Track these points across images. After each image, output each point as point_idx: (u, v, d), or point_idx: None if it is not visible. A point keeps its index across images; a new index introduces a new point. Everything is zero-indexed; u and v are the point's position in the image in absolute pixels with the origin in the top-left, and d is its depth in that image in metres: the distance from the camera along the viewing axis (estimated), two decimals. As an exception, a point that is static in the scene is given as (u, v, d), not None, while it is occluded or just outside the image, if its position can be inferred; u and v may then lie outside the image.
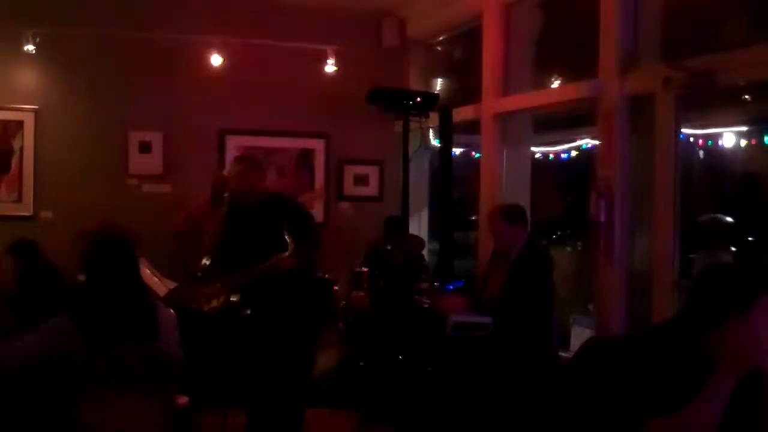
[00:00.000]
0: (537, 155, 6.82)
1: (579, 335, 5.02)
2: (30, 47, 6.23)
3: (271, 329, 4.48)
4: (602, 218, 4.46)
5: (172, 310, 3.17)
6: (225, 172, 6.25)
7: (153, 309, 2.98)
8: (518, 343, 4.39)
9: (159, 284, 5.13)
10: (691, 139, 6.80)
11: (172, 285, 5.34)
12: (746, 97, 5.54)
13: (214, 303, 4.45)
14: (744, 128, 6.55)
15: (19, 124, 6.45)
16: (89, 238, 5.36)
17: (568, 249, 7.12)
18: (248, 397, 4.64)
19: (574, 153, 8.06)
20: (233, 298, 4.41)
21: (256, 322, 4.48)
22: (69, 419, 1.58)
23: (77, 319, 2.78)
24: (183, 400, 3.52)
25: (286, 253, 4.40)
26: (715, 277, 2.24)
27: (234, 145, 6.86)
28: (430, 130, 6.41)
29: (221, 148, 6.84)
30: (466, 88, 6.43)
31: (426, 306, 5.03)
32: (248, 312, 4.41)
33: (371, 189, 7.23)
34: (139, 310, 2.92)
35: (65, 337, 2.74)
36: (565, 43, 5.78)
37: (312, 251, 4.63)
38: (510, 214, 4.71)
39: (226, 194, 4.76)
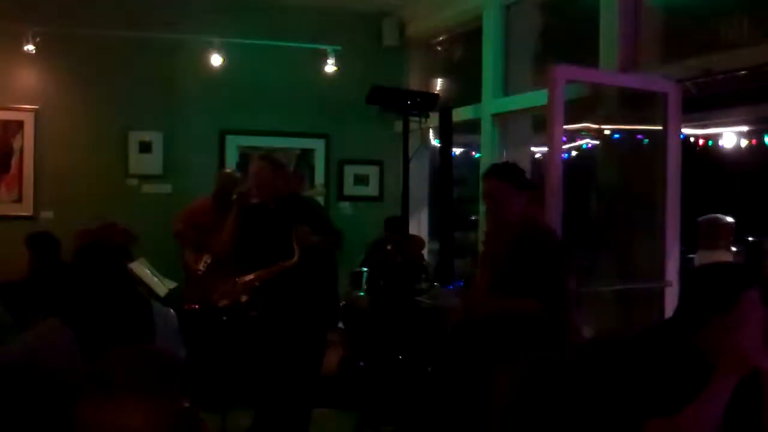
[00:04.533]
0: (537, 155, 6.81)
1: (579, 335, 5.01)
2: (30, 47, 6.22)
3: (279, 330, 4.47)
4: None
5: (172, 310, 3.17)
6: (229, 169, 6.26)
7: (149, 309, 2.99)
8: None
9: (159, 284, 5.13)
10: (691, 139, 6.81)
11: (172, 285, 5.35)
12: (746, 97, 5.55)
13: (225, 301, 4.45)
14: (744, 128, 6.56)
15: (19, 124, 6.45)
16: (86, 238, 5.35)
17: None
18: (256, 397, 4.64)
19: (574, 153, 8.06)
20: (243, 298, 4.41)
21: (265, 322, 4.47)
22: (66, 421, 1.58)
23: (70, 322, 2.78)
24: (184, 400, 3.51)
25: (293, 260, 4.38)
26: (699, 278, 2.24)
27: (234, 145, 6.87)
28: (430, 130, 6.42)
29: (221, 148, 6.85)
30: (466, 88, 6.43)
31: (426, 306, 5.03)
32: (254, 314, 4.40)
33: (371, 189, 7.23)
34: (134, 310, 2.93)
35: (54, 337, 2.74)
36: (565, 43, 5.78)
37: (337, 244, 4.63)
38: None
39: (236, 194, 4.72)
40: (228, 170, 6.24)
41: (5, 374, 2.74)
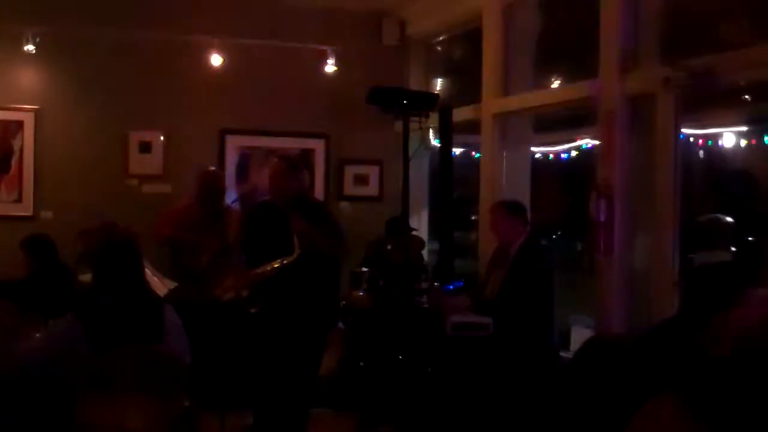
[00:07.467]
0: (537, 155, 6.81)
1: (579, 335, 5.02)
2: (30, 47, 6.22)
3: (278, 329, 4.47)
4: (602, 218, 4.46)
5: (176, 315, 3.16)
6: (212, 167, 6.14)
7: (159, 311, 2.98)
8: (518, 341, 4.40)
9: (159, 284, 5.12)
10: (691, 139, 6.80)
11: (172, 285, 5.33)
12: (746, 97, 5.54)
13: (231, 293, 4.46)
14: (744, 128, 6.55)
15: (19, 124, 6.45)
16: (89, 237, 5.33)
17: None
18: (254, 397, 4.64)
19: (574, 153, 8.06)
20: (244, 293, 4.42)
21: (265, 321, 4.48)
22: (69, 419, 1.58)
23: (81, 319, 2.78)
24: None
25: (292, 257, 4.36)
26: (702, 277, 2.25)
27: (234, 145, 6.87)
28: (430, 130, 6.41)
29: (221, 148, 6.84)
30: (466, 88, 6.43)
31: (426, 306, 5.03)
32: (254, 311, 4.40)
33: (371, 189, 7.23)
34: (144, 311, 2.92)
35: (70, 337, 2.74)
36: (565, 43, 5.79)
37: (338, 246, 4.62)
38: (511, 207, 4.78)
39: (241, 194, 4.71)
40: (211, 168, 6.08)
41: (24, 372, 2.75)
